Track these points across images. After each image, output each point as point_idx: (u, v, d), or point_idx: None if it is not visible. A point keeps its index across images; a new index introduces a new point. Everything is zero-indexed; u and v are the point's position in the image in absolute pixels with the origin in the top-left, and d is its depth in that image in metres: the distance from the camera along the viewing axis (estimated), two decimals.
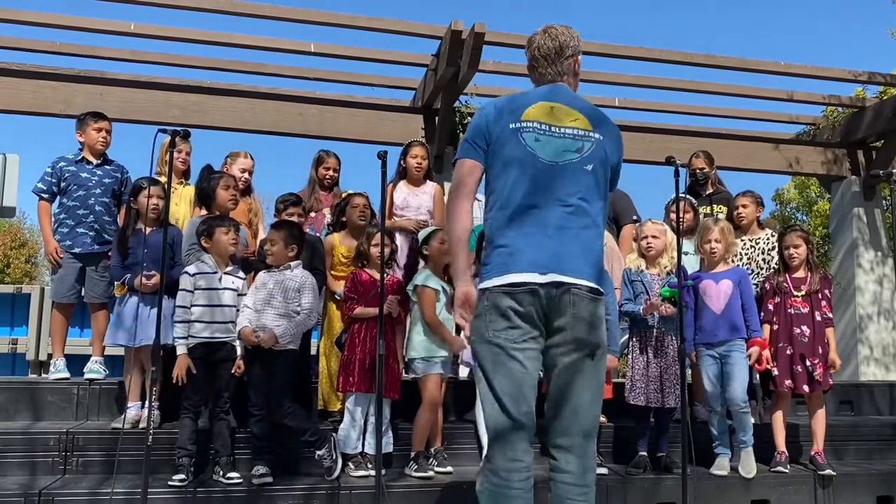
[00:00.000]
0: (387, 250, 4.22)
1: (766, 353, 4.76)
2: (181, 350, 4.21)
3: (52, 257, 5.10)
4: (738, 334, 4.69)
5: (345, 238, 5.02)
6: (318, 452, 4.28)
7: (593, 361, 2.74)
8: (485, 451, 2.77)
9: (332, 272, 4.98)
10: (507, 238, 2.74)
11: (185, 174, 5.54)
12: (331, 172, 5.68)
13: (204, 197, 4.74)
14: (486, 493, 2.69)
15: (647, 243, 4.83)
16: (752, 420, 4.80)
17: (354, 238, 4.93)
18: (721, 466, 4.69)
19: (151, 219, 4.63)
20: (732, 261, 5.07)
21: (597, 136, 2.84)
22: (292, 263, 4.44)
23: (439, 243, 4.55)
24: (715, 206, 5.89)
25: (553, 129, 2.80)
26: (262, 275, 4.45)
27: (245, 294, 4.42)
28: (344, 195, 5.24)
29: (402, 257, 5.31)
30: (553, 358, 2.74)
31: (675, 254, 4.72)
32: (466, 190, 2.83)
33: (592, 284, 2.73)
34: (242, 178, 5.33)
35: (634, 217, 5.69)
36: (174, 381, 4.19)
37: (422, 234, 4.82)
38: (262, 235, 5.42)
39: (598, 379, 2.78)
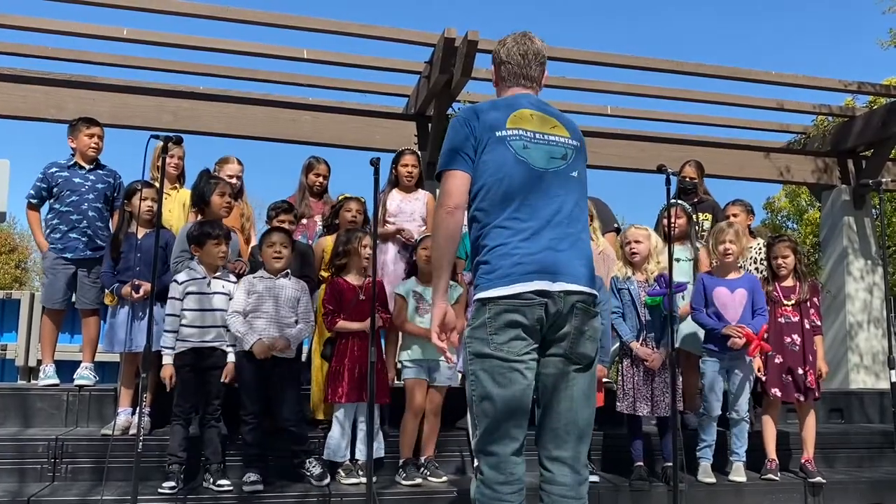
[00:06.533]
0: (369, 253, 4.22)
1: (754, 346, 4.66)
2: (167, 360, 4.19)
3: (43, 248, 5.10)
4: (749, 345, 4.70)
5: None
6: (311, 469, 4.29)
7: (587, 373, 2.72)
8: (476, 463, 2.74)
9: (324, 274, 4.96)
10: (505, 245, 2.65)
11: (179, 178, 5.53)
12: (321, 179, 5.67)
13: (199, 201, 4.73)
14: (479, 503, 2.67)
15: (632, 249, 4.77)
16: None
17: None
18: (707, 473, 4.70)
19: (145, 220, 4.63)
20: (742, 266, 5.06)
21: (574, 142, 2.86)
22: (288, 272, 4.46)
23: (423, 249, 4.56)
24: (700, 214, 5.92)
25: (539, 135, 2.80)
26: (250, 279, 4.42)
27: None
28: (340, 198, 5.24)
29: (389, 263, 5.32)
30: (547, 367, 2.68)
31: (660, 258, 4.74)
32: (461, 202, 2.72)
33: (593, 291, 2.72)
34: (232, 184, 5.32)
35: (616, 225, 5.70)
36: (167, 389, 4.19)
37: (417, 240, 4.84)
38: (254, 241, 5.40)
39: (592, 389, 2.77)
